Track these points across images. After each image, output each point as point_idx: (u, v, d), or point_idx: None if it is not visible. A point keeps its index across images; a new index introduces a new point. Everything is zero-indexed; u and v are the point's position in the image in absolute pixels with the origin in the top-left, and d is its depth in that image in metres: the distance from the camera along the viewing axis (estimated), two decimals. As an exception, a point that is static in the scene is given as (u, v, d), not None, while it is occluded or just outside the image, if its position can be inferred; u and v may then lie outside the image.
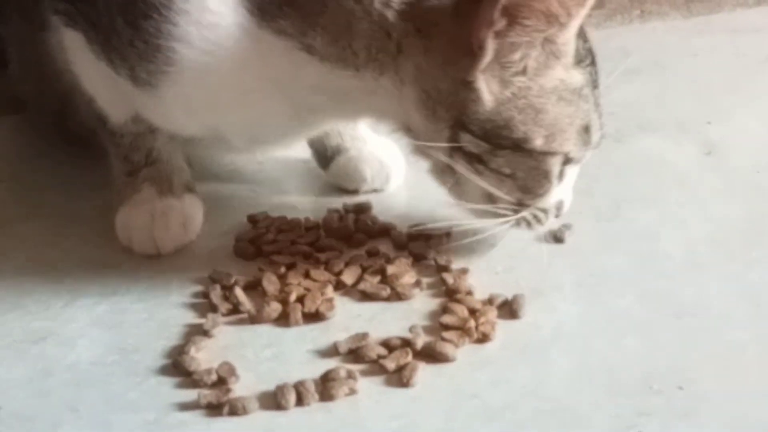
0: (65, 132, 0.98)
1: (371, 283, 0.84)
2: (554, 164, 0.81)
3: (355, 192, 0.96)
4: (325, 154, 0.97)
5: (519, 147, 0.79)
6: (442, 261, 0.87)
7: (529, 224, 0.84)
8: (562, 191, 0.84)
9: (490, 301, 0.82)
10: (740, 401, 0.73)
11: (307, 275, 0.85)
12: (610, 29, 1.18)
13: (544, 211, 0.84)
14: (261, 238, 0.89)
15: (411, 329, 0.79)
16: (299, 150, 0.98)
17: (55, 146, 1.00)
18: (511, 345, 0.78)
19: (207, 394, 0.75)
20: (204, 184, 0.94)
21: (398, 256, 0.87)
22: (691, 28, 1.18)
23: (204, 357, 0.78)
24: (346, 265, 0.86)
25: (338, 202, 0.94)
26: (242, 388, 0.75)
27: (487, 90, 0.78)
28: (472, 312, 0.81)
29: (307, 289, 0.83)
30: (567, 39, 0.79)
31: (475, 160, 0.80)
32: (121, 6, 0.81)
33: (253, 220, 0.92)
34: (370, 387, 0.75)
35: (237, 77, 0.81)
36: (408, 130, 0.83)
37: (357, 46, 0.79)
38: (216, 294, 0.84)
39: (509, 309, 0.81)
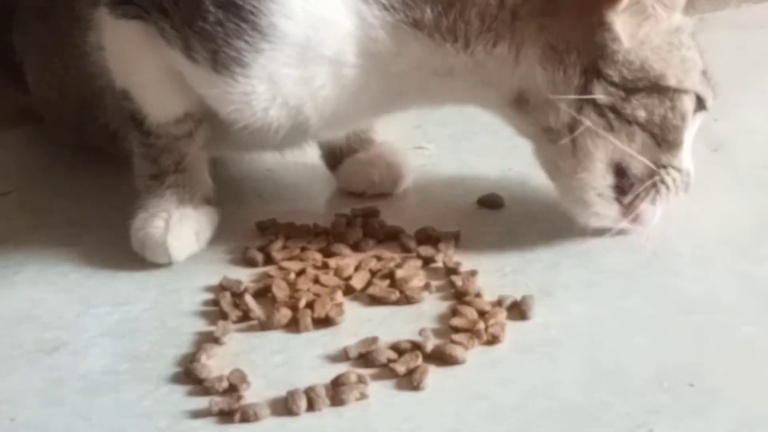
0: (81, 140, 0.99)
1: (380, 287, 0.85)
2: (689, 104, 0.83)
3: (362, 195, 0.96)
4: (334, 155, 0.97)
5: (655, 86, 0.81)
6: (450, 264, 0.87)
7: (668, 188, 0.83)
8: (689, 156, 0.85)
9: (499, 303, 0.82)
10: (751, 397, 0.72)
11: (316, 281, 0.86)
12: (615, 28, 1.18)
13: (680, 171, 0.84)
14: (270, 245, 0.90)
15: (420, 332, 0.79)
16: (307, 155, 0.98)
17: (68, 156, 1.00)
18: (521, 346, 0.78)
19: (218, 402, 0.75)
20: (220, 193, 0.94)
21: (407, 260, 0.88)
22: (696, 25, 1.16)
23: (215, 364, 0.78)
24: (356, 269, 0.87)
25: (346, 207, 0.94)
26: (253, 394, 0.76)
27: (624, 31, 0.80)
28: (482, 314, 0.81)
29: (317, 295, 0.84)
30: None
31: (608, 110, 0.81)
32: None
33: (261, 227, 0.93)
34: (380, 391, 0.75)
35: (337, 54, 0.80)
36: (516, 102, 0.83)
37: (469, 17, 0.79)
38: (226, 301, 0.84)
39: (518, 310, 0.81)
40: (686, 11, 1.20)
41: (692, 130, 0.86)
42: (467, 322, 0.80)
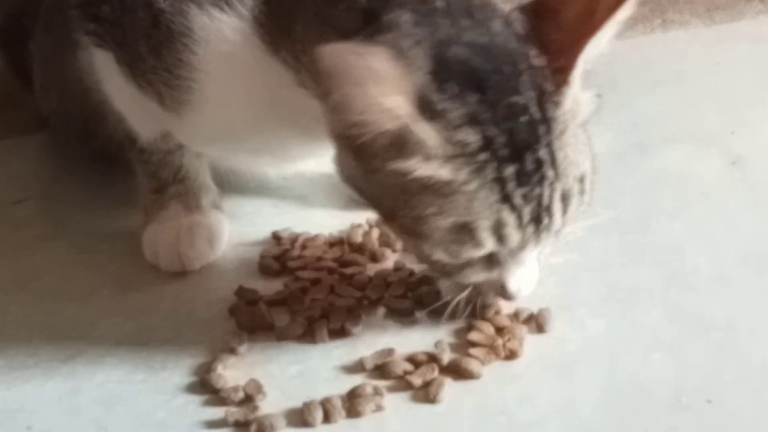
0: (90, 150, 0.99)
1: (396, 298, 0.84)
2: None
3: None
4: None
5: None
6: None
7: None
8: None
9: (516, 316, 0.82)
10: (770, 416, 0.72)
11: (332, 291, 0.86)
12: (631, 39, 1.17)
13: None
14: (286, 255, 0.90)
15: (437, 345, 0.79)
16: (323, 164, 0.98)
17: (81, 164, 1.00)
18: (539, 360, 0.78)
19: (234, 412, 0.75)
20: (228, 200, 0.94)
21: (423, 271, 0.87)
22: (714, 37, 1.17)
23: (231, 374, 0.78)
24: (371, 280, 0.86)
25: (362, 217, 0.94)
26: (269, 405, 0.76)
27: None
28: (499, 330, 0.80)
29: (333, 305, 0.84)
30: (417, 135, 0.70)
31: None
32: (145, 33, 0.81)
33: (277, 236, 0.93)
34: (396, 403, 0.75)
35: (251, 107, 0.80)
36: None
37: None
38: (242, 311, 0.84)
39: (535, 323, 0.81)
40: (703, 22, 1.20)
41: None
42: (485, 337, 0.79)
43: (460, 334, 0.81)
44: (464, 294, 0.79)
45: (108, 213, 0.96)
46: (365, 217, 0.93)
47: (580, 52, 0.73)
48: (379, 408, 0.75)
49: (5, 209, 0.98)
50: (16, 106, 1.09)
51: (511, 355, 0.78)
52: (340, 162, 0.76)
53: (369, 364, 0.78)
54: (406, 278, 0.86)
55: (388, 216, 0.76)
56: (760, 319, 0.81)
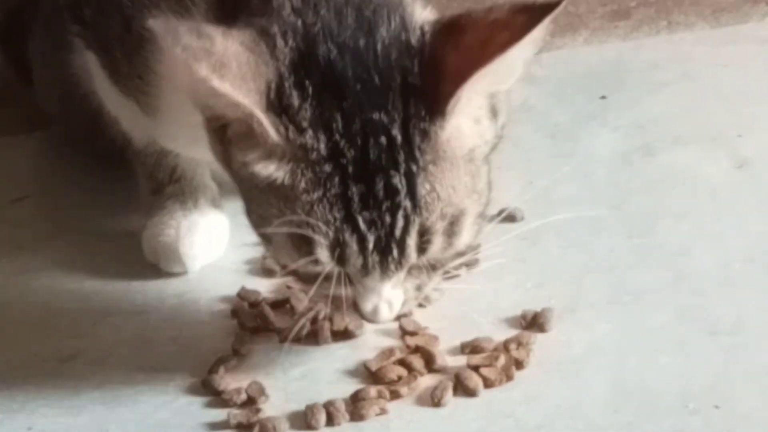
0: (94, 150, 0.98)
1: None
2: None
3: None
4: None
5: None
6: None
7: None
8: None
9: (523, 317, 0.81)
10: (779, 421, 0.71)
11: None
12: (637, 40, 1.17)
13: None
14: (289, 256, 0.89)
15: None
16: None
17: (83, 163, 1.00)
18: (545, 363, 0.77)
19: (237, 414, 0.74)
20: (230, 200, 0.93)
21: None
22: (720, 39, 1.16)
23: (233, 376, 0.77)
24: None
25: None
26: (272, 407, 0.75)
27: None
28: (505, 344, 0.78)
29: (336, 307, 0.83)
30: (262, 127, 0.67)
31: None
32: (119, 38, 0.79)
33: (280, 237, 0.92)
34: (400, 407, 0.75)
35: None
36: None
37: None
38: (244, 312, 0.83)
39: (536, 323, 0.80)
40: (709, 24, 1.20)
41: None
42: (487, 358, 0.77)
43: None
44: (321, 307, 0.74)
45: (109, 212, 0.95)
46: (369, 217, 0.93)
47: (464, 82, 0.66)
48: (383, 411, 0.74)
49: (5, 207, 0.97)
50: (16, 104, 1.08)
51: (518, 365, 0.77)
52: (210, 145, 0.72)
53: (373, 367, 0.77)
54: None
55: (245, 209, 0.73)
56: (767, 323, 0.80)
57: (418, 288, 0.73)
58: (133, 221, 0.92)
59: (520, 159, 1.00)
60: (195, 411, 0.75)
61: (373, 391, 0.75)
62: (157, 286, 0.87)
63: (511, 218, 0.93)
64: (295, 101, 0.67)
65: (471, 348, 0.78)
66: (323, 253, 0.69)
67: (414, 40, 0.68)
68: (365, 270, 0.70)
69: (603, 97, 1.07)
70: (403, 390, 0.75)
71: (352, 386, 0.76)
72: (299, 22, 0.68)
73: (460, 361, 0.77)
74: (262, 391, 0.76)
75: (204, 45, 0.65)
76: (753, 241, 0.88)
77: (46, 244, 0.92)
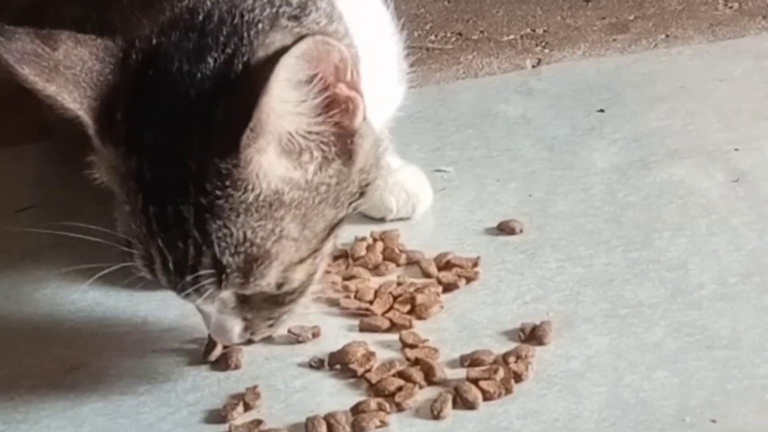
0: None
1: (400, 313, 0.84)
2: None
3: (381, 220, 0.96)
4: None
5: None
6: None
7: None
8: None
9: (522, 330, 0.81)
10: (774, 435, 0.72)
11: (336, 304, 0.85)
12: (635, 54, 1.17)
13: None
14: (290, 267, 0.90)
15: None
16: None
17: (87, 172, 1.00)
18: (543, 376, 0.78)
19: (238, 427, 0.75)
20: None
21: (427, 285, 0.87)
22: (717, 53, 1.17)
23: (234, 387, 0.78)
24: (376, 294, 0.86)
25: (365, 230, 0.94)
26: (273, 419, 0.76)
27: None
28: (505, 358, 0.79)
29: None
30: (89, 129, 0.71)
31: None
32: None
33: (281, 248, 0.92)
34: (400, 419, 0.75)
35: None
36: None
37: None
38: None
39: (535, 336, 0.81)
40: (707, 38, 1.20)
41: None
42: (486, 371, 0.77)
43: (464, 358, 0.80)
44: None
45: (113, 223, 0.96)
46: (369, 230, 0.93)
47: (249, 120, 0.65)
48: (383, 423, 0.75)
49: (10, 217, 0.98)
50: (21, 113, 1.08)
51: (517, 378, 0.77)
52: None
53: (373, 379, 0.78)
54: (411, 293, 0.85)
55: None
56: (763, 337, 0.81)
57: (267, 318, 0.74)
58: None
59: (518, 171, 1.00)
60: (196, 423, 0.76)
61: (373, 403, 0.76)
62: (160, 297, 0.87)
63: (510, 231, 0.94)
64: (119, 115, 0.69)
65: (470, 361, 0.79)
66: (139, 263, 0.71)
67: (233, 72, 0.68)
68: (175, 289, 0.71)
69: (601, 111, 1.08)
70: (404, 402, 0.76)
71: (352, 398, 0.76)
72: (153, 41, 0.70)
73: (460, 373, 0.78)
74: (261, 402, 0.76)
75: (38, 49, 0.68)
76: (749, 256, 0.88)
77: (49, 254, 0.93)
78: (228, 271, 0.69)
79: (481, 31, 1.22)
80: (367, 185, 0.73)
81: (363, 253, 0.91)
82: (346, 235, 0.93)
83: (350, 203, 0.73)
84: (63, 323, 0.85)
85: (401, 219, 0.96)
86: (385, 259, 0.91)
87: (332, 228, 0.72)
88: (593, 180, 0.98)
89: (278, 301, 0.73)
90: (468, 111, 1.09)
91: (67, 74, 0.68)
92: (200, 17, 0.70)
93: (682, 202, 0.95)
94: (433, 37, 1.22)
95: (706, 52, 1.17)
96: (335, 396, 0.77)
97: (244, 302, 0.73)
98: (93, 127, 0.70)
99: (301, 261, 0.71)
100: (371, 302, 0.85)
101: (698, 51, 1.17)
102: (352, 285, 0.87)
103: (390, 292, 0.86)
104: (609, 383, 0.77)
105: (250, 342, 0.76)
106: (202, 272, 0.69)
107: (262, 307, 0.73)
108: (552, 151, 1.03)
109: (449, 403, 0.76)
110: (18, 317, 0.86)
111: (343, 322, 0.84)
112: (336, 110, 0.69)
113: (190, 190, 0.68)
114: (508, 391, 0.76)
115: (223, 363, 0.80)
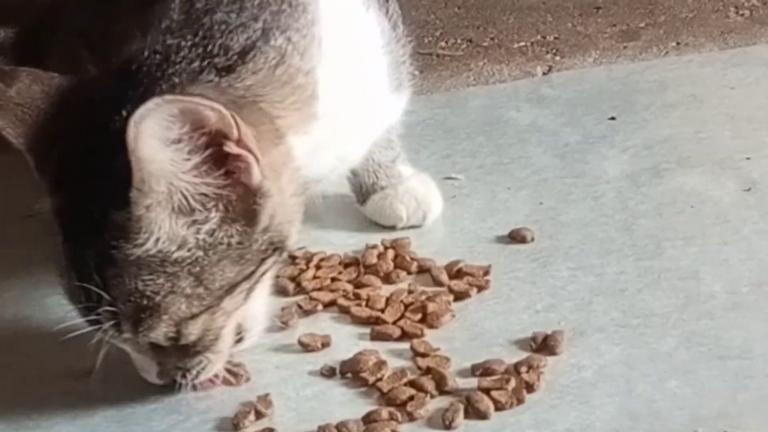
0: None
1: (412, 321, 0.84)
2: None
3: (392, 228, 0.96)
4: (360, 191, 0.97)
5: None
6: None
7: None
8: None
9: (533, 339, 0.81)
10: (787, 446, 0.72)
11: (347, 312, 0.85)
12: (645, 61, 1.17)
13: None
14: (301, 275, 0.89)
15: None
16: (338, 185, 0.98)
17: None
18: (555, 386, 0.78)
19: (250, 434, 0.75)
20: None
21: (438, 294, 0.87)
22: (728, 60, 1.17)
23: (245, 395, 0.78)
24: (387, 302, 0.86)
25: (376, 237, 0.94)
26: (284, 427, 0.75)
27: None
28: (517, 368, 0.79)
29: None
30: None
31: None
32: None
33: (292, 256, 0.92)
34: (412, 428, 0.75)
35: None
36: None
37: None
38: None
39: (546, 346, 0.81)
40: (718, 45, 1.20)
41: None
42: (498, 381, 0.77)
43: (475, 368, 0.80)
44: None
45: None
46: (380, 238, 0.93)
47: (132, 175, 0.68)
48: (394, 433, 0.75)
49: (17, 224, 0.98)
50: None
51: (529, 388, 0.77)
52: None
53: (384, 388, 0.78)
54: (423, 301, 0.85)
55: None
56: (776, 348, 0.81)
57: (177, 367, 0.75)
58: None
59: (529, 179, 1.00)
60: (208, 431, 0.76)
61: (384, 412, 0.76)
62: (171, 304, 0.87)
63: (521, 239, 0.94)
64: (54, 153, 0.73)
65: (482, 370, 0.79)
66: (64, 294, 0.75)
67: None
68: (91, 324, 0.73)
69: (612, 118, 1.08)
70: (415, 412, 0.76)
71: (363, 407, 0.76)
72: (96, 83, 0.74)
73: (471, 383, 0.78)
74: (273, 410, 0.76)
75: None
76: (760, 265, 0.88)
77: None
78: (124, 319, 0.72)
79: (492, 38, 1.22)
80: (281, 241, 0.74)
81: (374, 260, 0.91)
82: (357, 242, 0.94)
83: (261, 260, 0.73)
84: (74, 330, 0.85)
85: (412, 227, 0.96)
86: (396, 267, 0.91)
87: (235, 285, 0.72)
88: (604, 188, 0.98)
89: (186, 351, 0.74)
90: (478, 118, 1.09)
91: (16, 111, 0.73)
92: (134, 66, 0.73)
93: (694, 211, 0.95)
94: (443, 44, 1.22)
95: (717, 59, 1.17)
96: (347, 405, 0.77)
97: (156, 347, 0.74)
98: (32, 161, 0.74)
99: (193, 317, 0.72)
100: (382, 310, 0.85)
101: (709, 59, 1.17)
102: (363, 293, 0.87)
103: (401, 301, 0.86)
104: (621, 393, 0.77)
105: (180, 385, 0.76)
106: (102, 315, 0.72)
107: (173, 354, 0.74)
108: (563, 159, 1.03)
109: (461, 413, 0.75)
110: (29, 323, 0.87)
111: (354, 330, 0.84)
112: (224, 169, 0.70)
113: (92, 237, 0.71)
114: (520, 401, 0.76)
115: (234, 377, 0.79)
